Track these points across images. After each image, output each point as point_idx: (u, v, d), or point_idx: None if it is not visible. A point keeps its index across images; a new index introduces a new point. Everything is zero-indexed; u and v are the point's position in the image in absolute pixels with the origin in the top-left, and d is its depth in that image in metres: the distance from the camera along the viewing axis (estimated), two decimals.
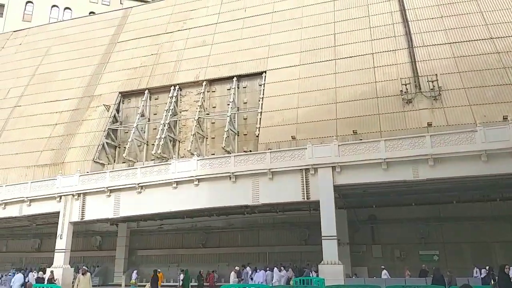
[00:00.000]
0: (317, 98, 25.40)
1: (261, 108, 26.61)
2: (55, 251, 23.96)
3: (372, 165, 19.34)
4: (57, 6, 53.86)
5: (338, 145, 20.27)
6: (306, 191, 20.16)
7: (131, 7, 40.87)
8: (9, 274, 26.69)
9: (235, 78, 29.04)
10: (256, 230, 27.79)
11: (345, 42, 27.32)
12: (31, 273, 24.94)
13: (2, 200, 25.94)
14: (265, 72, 28.29)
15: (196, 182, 22.06)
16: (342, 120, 23.65)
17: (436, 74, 22.79)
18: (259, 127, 25.77)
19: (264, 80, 27.93)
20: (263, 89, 27.58)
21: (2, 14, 51.95)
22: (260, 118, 26.19)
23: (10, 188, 26.45)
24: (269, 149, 22.64)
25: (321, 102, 25.14)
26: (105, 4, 54.18)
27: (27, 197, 25.37)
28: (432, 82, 22.67)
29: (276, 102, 26.33)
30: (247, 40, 30.84)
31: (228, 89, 29.48)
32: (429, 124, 21.39)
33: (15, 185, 26.59)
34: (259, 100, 27.33)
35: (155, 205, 22.91)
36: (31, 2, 53.29)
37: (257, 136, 25.77)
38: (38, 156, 30.37)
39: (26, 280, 18.55)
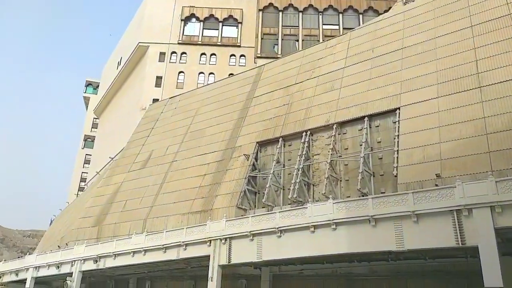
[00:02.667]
0: (463, 131, 23.01)
1: (398, 146, 25.29)
2: None
3: None
4: (203, 73, 62.27)
5: (496, 182, 17.68)
6: (460, 235, 17.82)
7: (264, 64, 44.57)
8: None
9: (366, 118, 28.52)
10: (404, 279, 25.41)
11: (489, 68, 24.57)
12: None
13: (163, 245, 29.53)
14: (399, 108, 27.10)
15: (334, 226, 21.65)
16: (497, 153, 20.77)
17: None
18: (396, 166, 24.40)
19: (399, 117, 26.71)
20: (398, 126, 26.32)
21: (160, 84, 62.24)
22: (397, 157, 24.83)
23: (169, 233, 30.06)
24: (411, 189, 21.07)
25: (468, 134, 22.67)
26: (241, 66, 60.41)
27: (183, 242, 28.36)
28: None
29: (414, 139, 24.75)
30: (376, 80, 30.34)
31: (359, 130, 29.02)
32: None
33: (173, 231, 30.12)
34: (395, 138, 26.08)
35: (294, 250, 23.13)
36: (183, 72, 62.75)
37: (395, 176, 24.36)
38: (191, 204, 34.25)
39: None
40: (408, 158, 24.23)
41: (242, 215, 28.76)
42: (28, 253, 56.04)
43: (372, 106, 29.00)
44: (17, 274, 44.44)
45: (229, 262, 25.71)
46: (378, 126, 28.55)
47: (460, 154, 22.13)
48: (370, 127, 28.55)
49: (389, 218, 20.00)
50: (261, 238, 24.61)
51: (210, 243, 26.86)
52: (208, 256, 26.64)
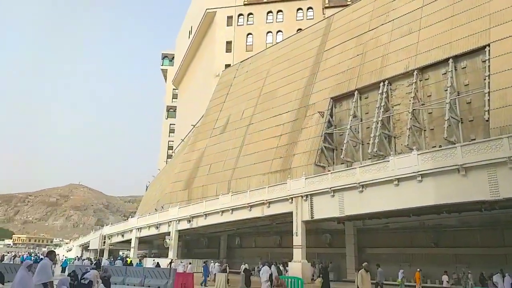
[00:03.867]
0: None
1: (489, 88, 22.95)
2: (293, 247, 26.92)
3: None
4: (270, 32, 61.38)
5: None
6: None
7: (333, 15, 42.51)
8: (259, 266, 31.54)
9: (450, 60, 26.14)
10: (499, 229, 23.83)
11: None
12: (273, 266, 28.73)
13: (248, 203, 31.07)
14: (489, 45, 24.32)
15: (419, 178, 20.81)
16: None
17: None
18: (488, 110, 22.29)
19: (489, 55, 24.03)
20: (488, 65, 23.74)
21: (231, 49, 62.86)
22: (488, 99, 22.63)
23: (252, 193, 31.48)
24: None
25: None
26: (309, 19, 58.22)
27: (266, 200, 29.56)
28: None
29: (508, 77, 22.21)
30: (460, 16, 27.33)
31: (443, 74, 26.79)
32: None
33: (256, 190, 31.48)
34: (485, 79, 23.67)
35: (377, 204, 22.84)
36: (251, 34, 62.52)
37: (487, 121, 22.34)
38: (270, 164, 35.20)
39: (270, 273, 21.34)
40: (501, 100, 21.95)
41: (321, 172, 28.90)
42: (130, 216, 63.00)
43: (457, 45, 26.38)
44: (123, 235, 50.50)
45: (311, 217, 26.32)
46: (464, 67, 26.03)
47: None
48: (455, 70, 26.18)
49: (481, 166, 18.61)
50: (342, 193, 24.64)
51: (292, 200, 27.61)
52: (291, 213, 27.53)
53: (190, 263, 31.60)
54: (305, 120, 35.05)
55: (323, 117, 33.18)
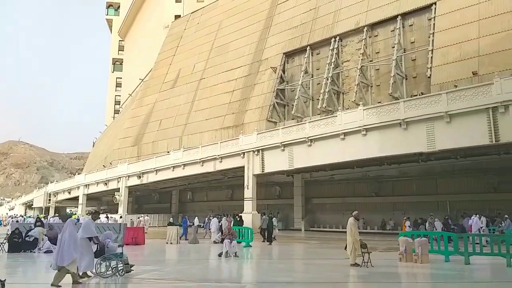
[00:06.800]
0: (504, 22, 21.25)
1: (432, 45, 23.92)
2: (244, 199, 27.66)
3: None
4: None
5: None
6: (495, 132, 17.55)
7: None
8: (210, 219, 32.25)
9: (399, 17, 26.72)
10: (433, 178, 25.92)
11: None
12: (224, 217, 29.51)
13: (200, 159, 31.07)
14: (435, 3, 25.05)
15: (364, 132, 21.78)
16: None
17: None
18: (430, 67, 23.37)
19: (434, 13, 24.81)
20: (433, 24, 24.59)
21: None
22: (431, 57, 23.65)
23: (205, 148, 31.43)
24: (454, 86, 20.33)
25: (510, 27, 20.94)
26: None
27: (218, 155, 29.69)
28: None
29: (451, 36, 23.21)
30: None
31: (392, 31, 27.43)
32: None
33: (208, 145, 31.44)
34: (429, 37, 24.58)
35: (324, 157, 23.77)
36: None
37: (428, 77, 23.48)
38: (223, 120, 35.03)
39: (220, 224, 21.97)
40: (443, 57, 23.03)
41: (272, 128, 29.29)
42: (76, 173, 60.84)
43: (406, 2, 26.90)
44: (69, 192, 48.96)
45: (262, 171, 26.96)
46: (412, 25, 26.78)
47: (500, 49, 20.73)
48: (403, 27, 26.86)
49: (421, 121, 19.80)
50: (292, 148, 25.31)
51: (244, 155, 27.97)
52: (243, 167, 27.97)
53: (147, 216, 32.14)
54: (258, 75, 34.80)
55: (275, 72, 33.10)
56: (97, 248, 9.11)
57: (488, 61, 20.96)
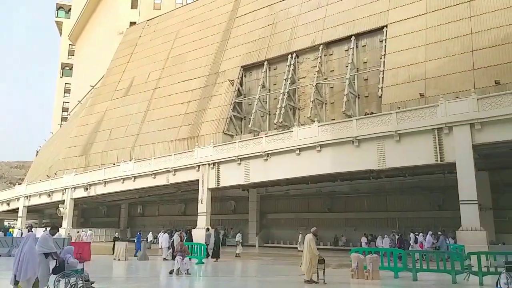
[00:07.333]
0: (449, 48, 22.67)
1: (383, 66, 24.97)
2: (198, 214, 26.95)
3: None
4: None
5: (477, 99, 17.82)
6: (440, 152, 18.41)
7: None
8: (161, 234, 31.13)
9: (353, 38, 27.72)
10: (384, 195, 26.84)
11: None
12: (176, 233, 28.64)
13: (152, 171, 30.02)
14: (386, 26, 26.27)
15: (318, 148, 22.10)
16: (481, 70, 20.75)
17: None
18: (381, 87, 24.33)
19: (386, 35, 26.00)
20: (385, 45, 25.74)
21: (137, 5, 58.48)
22: (382, 77, 24.66)
23: (158, 160, 30.44)
24: (397, 107, 21.23)
25: (454, 52, 22.38)
26: None
27: (172, 168, 28.84)
28: None
29: (400, 58, 24.38)
30: None
31: (346, 50, 28.36)
32: None
33: (161, 157, 30.48)
34: (381, 58, 25.66)
35: (280, 172, 23.82)
36: None
37: (379, 97, 24.42)
38: (178, 131, 34.25)
39: (171, 240, 21.18)
40: (393, 78, 24.09)
41: (228, 141, 29.01)
42: (17, 183, 56.76)
43: (359, 24, 28.00)
44: (8, 204, 45.45)
45: (218, 185, 26.50)
46: (364, 45, 27.87)
47: (444, 73, 22.05)
48: (356, 47, 27.87)
49: (372, 139, 20.41)
50: (248, 162, 25.13)
51: (199, 168, 27.38)
52: (197, 181, 27.34)
53: (90, 230, 30.33)
54: (215, 87, 34.52)
55: (233, 85, 33.01)
56: (56, 264, 8.58)
57: (434, 84, 22.18)
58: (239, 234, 23.94)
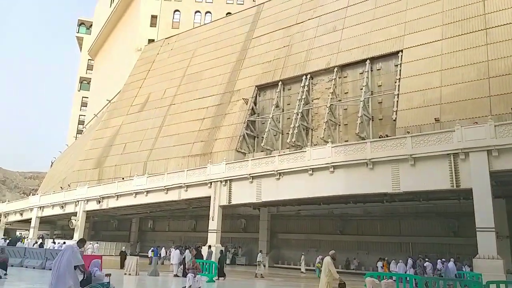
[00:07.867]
0: (465, 74, 22.71)
1: (398, 90, 25.08)
2: (209, 231, 26.95)
3: None
4: (199, 12, 59.81)
5: (495, 126, 17.78)
6: (456, 178, 18.28)
7: (263, 3, 42.64)
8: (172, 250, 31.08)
9: (368, 61, 27.98)
10: (397, 219, 26.52)
11: (497, 8, 23.66)
12: (187, 250, 28.56)
13: (165, 186, 30.25)
14: (402, 51, 26.49)
15: (332, 169, 22.11)
16: (497, 97, 20.71)
17: None
18: (396, 110, 24.38)
19: (401, 60, 26.20)
20: (400, 70, 25.91)
21: (156, 24, 59.99)
22: (397, 101, 24.73)
23: (170, 175, 30.71)
24: (407, 132, 21.26)
25: (469, 78, 22.41)
26: (239, 4, 57.82)
27: (184, 183, 29.04)
28: None
29: (415, 82, 24.49)
30: (380, 20, 29.30)
31: (360, 73, 28.60)
32: None
33: (174, 173, 30.75)
34: (396, 82, 25.80)
35: (292, 191, 23.83)
36: (178, 11, 60.25)
37: (394, 120, 24.45)
38: (191, 148, 34.59)
39: (183, 256, 21.16)
40: (408, 102, 24.15)
41: (241, 159, 29.18)
42: (30, 194, 57.52)
43: (375, 48, 28.29)
44: (21, 214, 45.98)
45: (229, 202, 26.55)
46: (379, 69, 28.08)
47: (460, 98, 22.05)
48: (371, 71, 28.11)
49: (387, 162, 20.38)
50: (261, 180, 25.21)
51: (211, 184, 27.51)
52: (209, 197, 27.43)
53: (97, 243, 30.35)
54: (229, 105, 34.95)
55: (247, 104, 33.40)
56: (84, 276, 8.71)
57: (449, 109, 22.17)
58: (260, 254, 23.60)
